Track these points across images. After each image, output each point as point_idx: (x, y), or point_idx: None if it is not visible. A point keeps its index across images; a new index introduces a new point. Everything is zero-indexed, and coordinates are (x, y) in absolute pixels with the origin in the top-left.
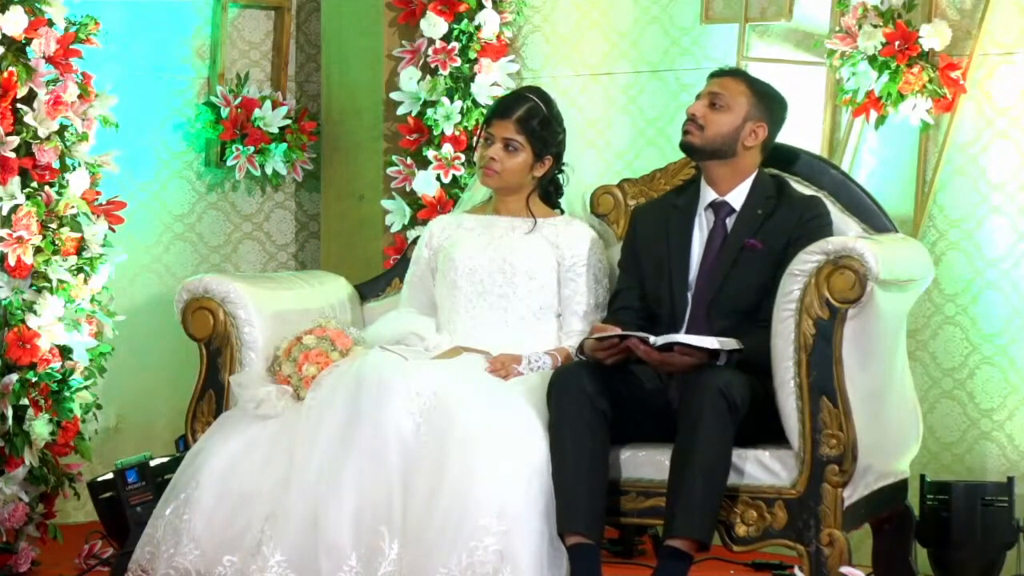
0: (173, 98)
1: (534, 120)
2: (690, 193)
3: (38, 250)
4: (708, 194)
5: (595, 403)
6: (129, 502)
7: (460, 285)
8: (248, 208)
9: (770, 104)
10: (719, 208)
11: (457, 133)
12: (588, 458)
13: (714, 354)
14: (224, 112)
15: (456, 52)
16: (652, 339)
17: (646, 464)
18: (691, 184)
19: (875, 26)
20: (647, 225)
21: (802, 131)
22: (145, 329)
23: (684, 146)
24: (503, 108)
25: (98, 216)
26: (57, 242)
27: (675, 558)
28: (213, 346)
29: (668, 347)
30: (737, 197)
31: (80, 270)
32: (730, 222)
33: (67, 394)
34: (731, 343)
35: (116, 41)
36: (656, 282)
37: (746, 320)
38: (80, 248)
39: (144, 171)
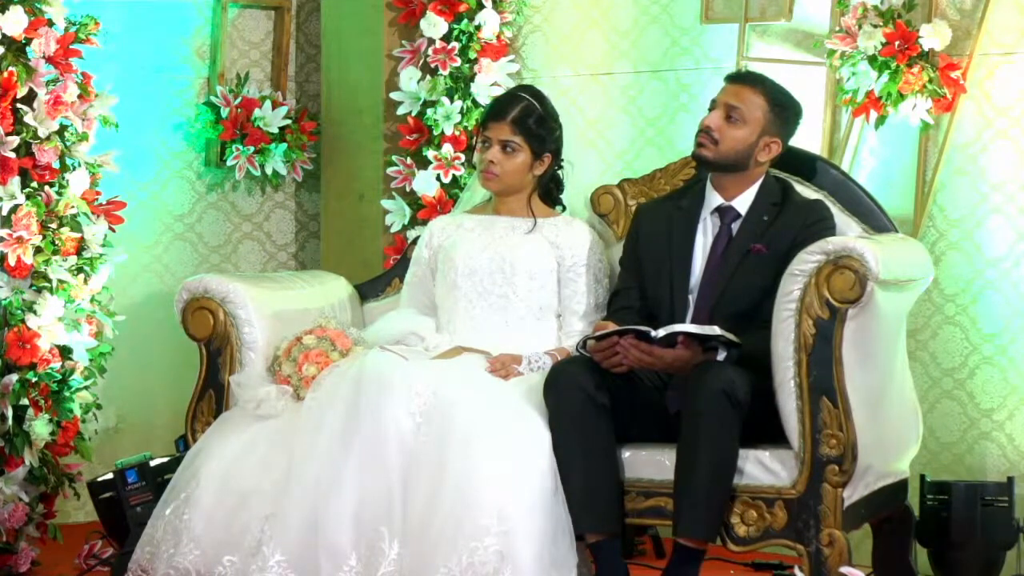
0: (173, 98)
1: (530, 119)
2: (695, 195)
3: (38, 250)
4: (714, 198)
5: (594, 398)
6: (129, 502)
7: (460, 285)
8: (248, 208)
9: (787, 117)
10: (725, 213)
11: (457, 133)
12: (592, 453)
13: (712, 348)
14: (224, 112)
15: (456, 52)
16: (653, 332)
17: (647, 464)
18: (696, 185)
19: (875, 26)
20: (650, 224)
21: (802, 131)
22: (145, 329)
23: (696, 157)
24: (497, 110)
25: (98, 216)
26: (57, 242)
27: (685, 557)
28: (213, 346)
29: (671, 340)
30: (743, 202)
31: (80, 270)
32: (735, 227)
33: (67, 394)
34: (732, 336)
35: (116, 41)
36: (656, 283)
37: (746, 321)
38: (80, 248)
39: (144, 171)
